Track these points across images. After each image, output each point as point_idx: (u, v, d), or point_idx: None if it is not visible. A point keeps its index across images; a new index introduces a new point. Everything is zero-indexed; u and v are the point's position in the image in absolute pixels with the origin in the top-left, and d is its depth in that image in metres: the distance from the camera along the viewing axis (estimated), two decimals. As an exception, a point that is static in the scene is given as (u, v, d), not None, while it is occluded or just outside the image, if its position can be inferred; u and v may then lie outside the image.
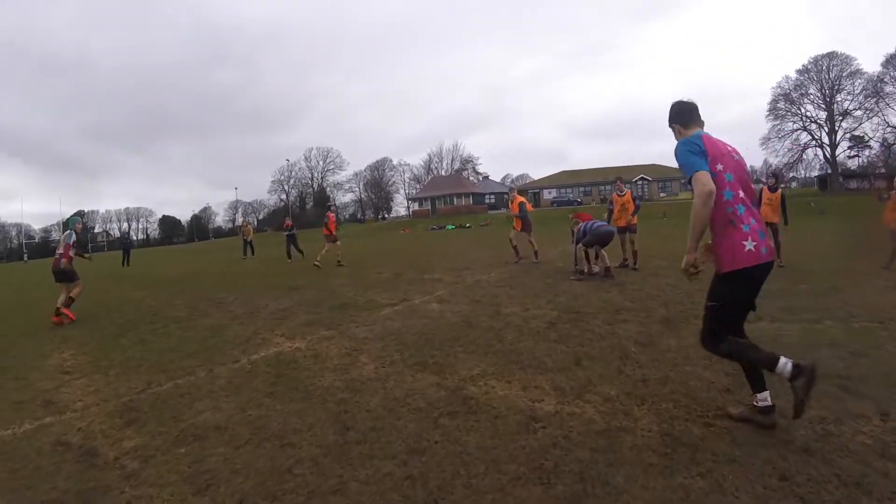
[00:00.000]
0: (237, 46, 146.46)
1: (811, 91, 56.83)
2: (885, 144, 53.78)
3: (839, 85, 55.07)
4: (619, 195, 9.68)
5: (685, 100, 2.93)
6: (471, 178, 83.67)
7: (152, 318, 7.58)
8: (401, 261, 14.63)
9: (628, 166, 64.12)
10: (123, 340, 6.13)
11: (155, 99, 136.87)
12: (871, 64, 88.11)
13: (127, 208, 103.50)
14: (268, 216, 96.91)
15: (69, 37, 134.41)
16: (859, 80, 53.94)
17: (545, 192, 68.36)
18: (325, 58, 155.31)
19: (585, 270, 8.70)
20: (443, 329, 5.49)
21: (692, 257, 2.71)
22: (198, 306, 8.49)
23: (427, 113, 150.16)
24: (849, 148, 57.91)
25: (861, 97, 54.06)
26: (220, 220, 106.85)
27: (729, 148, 2.73)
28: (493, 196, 74.61)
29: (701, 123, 2.86)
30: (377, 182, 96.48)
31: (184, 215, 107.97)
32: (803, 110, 57.66)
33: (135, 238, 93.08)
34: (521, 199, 11.62)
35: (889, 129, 52.65)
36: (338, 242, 14.36)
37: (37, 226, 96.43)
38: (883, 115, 52.79)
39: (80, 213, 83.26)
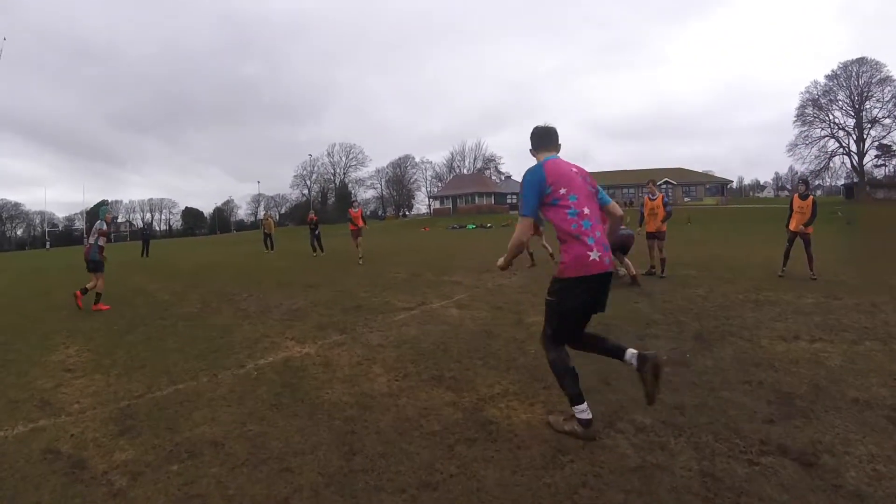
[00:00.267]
0: (263, 38, 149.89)
1: (840, 97, 55.69)
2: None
3: (868, 92, 53.75)
4: (650, 198, 9.32)
5: (542, 125, 3.17)
6: (493, 178, 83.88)
7: (163, 314, 7.53)
8: (420, 260, 14.45)
9: (652, 169, 63.43)
10: (130, 337, 6.07)
11: (180, 90, 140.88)
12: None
13: (150, 199, 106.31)
14: (290, 210, 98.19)
15: (97, 25, 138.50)
16: (889, 88, 52.77)
17: None
18: (349, 52, 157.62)
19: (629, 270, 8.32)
20: (462, 338, 5.26)
21: (505, 264, 3.26)
22: (210, 302, 8.43)
23: (450, 111, 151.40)
24: (876, 157, 56.88)
25: (890, 105, 52.85)
26: (243, 212, 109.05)
27: (574, 169, 3.01)
28: (514, 196, 73.98)
29: (556, 148, 3.13)
30: (399, 179, 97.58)
31: (206, 207, 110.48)
32: (831, 117, 56.59)
33: (157, 229, 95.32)
34: None
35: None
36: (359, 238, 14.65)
37: (60, 214, 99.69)
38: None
39: (104, 203, 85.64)
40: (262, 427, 3.26)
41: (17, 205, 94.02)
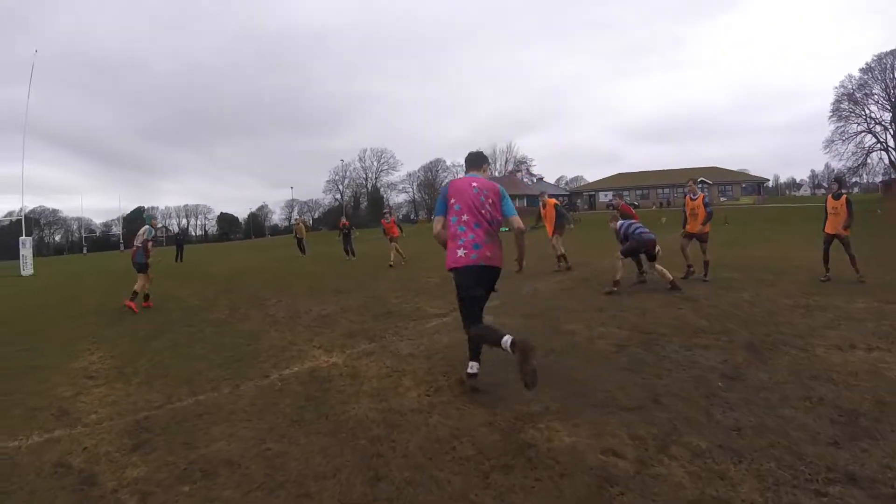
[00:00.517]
0: (290, 51, 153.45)
1: (875, 91, 52.68)
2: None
3: (904, 84, 50.73)
4: (690, 198, 8.92)
5: (471, 151, 4.23)
6: (524, 180, 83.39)
7: (191, 320, 7.56)
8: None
9: (687, 169, 62.29)
10: (156, 343, 6.07)
11: (212, 100, 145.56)
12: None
13: (186, 205, 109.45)
14: (322, 215, 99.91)
15: (126, 43, 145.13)
16: (925, 80, 49.48)
17: (601, 194, 68.00)
18: (378, 59, 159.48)
19: (618, 278, 7.90)
20: (496, 349, 4.99)
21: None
22: (239, 308, 8.44)
23: (481, 114, 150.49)
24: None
25: (927, 98, 49.49)
26: (277, 217, 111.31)
27: (472, 184, 3.83)
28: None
29: (477, 168, 4.07)
30: (430, 183, 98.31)
31: (241, 213, 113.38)
32: (867, 111, 53.56)
33: (193, 234, 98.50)
34: (555, 201, 11.44)
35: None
36: (394, 244, 14.91)
37: (98, 220, 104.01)
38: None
39: (140, 210, 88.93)
40: (281, 445, 3.09)
41: (54, 211, 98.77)
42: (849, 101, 54.33)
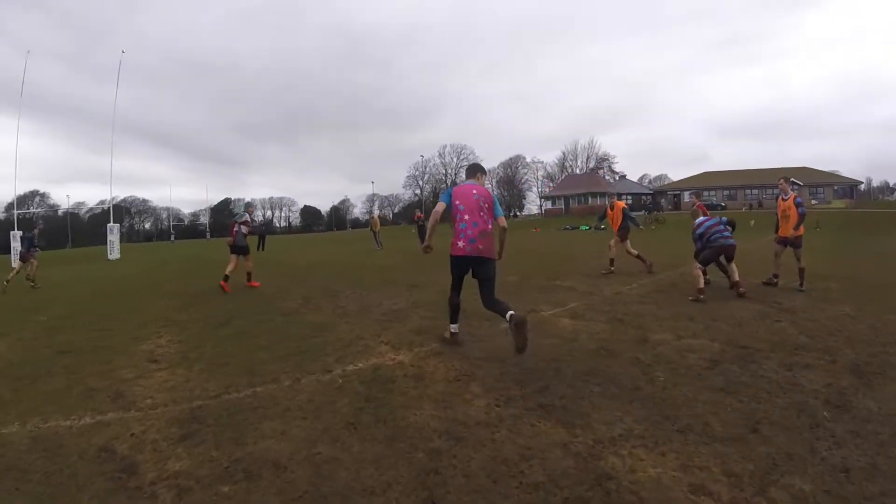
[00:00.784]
0: (375, 48, 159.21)
1: None
2: None
3: None
4: (782, 199, 8.36)
5: (472, 163, 6.22)
6: (606, 178, 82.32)
7: (262, 308, 7.66)
8: (530, 263, 13.72)
9: (776, 169, 60.24)
10: (224, 331, 6.15)
11: (299, 98, 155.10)
12: None
13: (271, 197, 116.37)
14: (402, 210, 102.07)
15: (217, 43, 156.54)
16: None
17: (685, 194, 65.30)
18: (461, 55, 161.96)
19: (702, 286, 7.35)
20: (576, 356, 4.55)
21: (427, 246, 5.48)
22: (312, 298, 8.48)
23: (562, 109, 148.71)
24: None
25: None
26: (358, 211, 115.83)
27: (473, 191, 4.91)
28: (630, 196, 72.20)
29: (475, 177, 5.19)
30: (510, 179, 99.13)
31: (324, 206, 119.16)
32: None
33: (277, 225, 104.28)
34: (623, 204, 11.21)
35: None
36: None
37: (186, 210, 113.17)
38: None
39: (227, 201, 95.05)
40: (333, 450, 2.85)
41: (144, 201, 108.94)
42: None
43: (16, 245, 26.92)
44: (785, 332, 5.34)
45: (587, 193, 69.83)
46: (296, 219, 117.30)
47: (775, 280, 8.29)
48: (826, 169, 64.47)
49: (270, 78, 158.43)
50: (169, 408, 3.62)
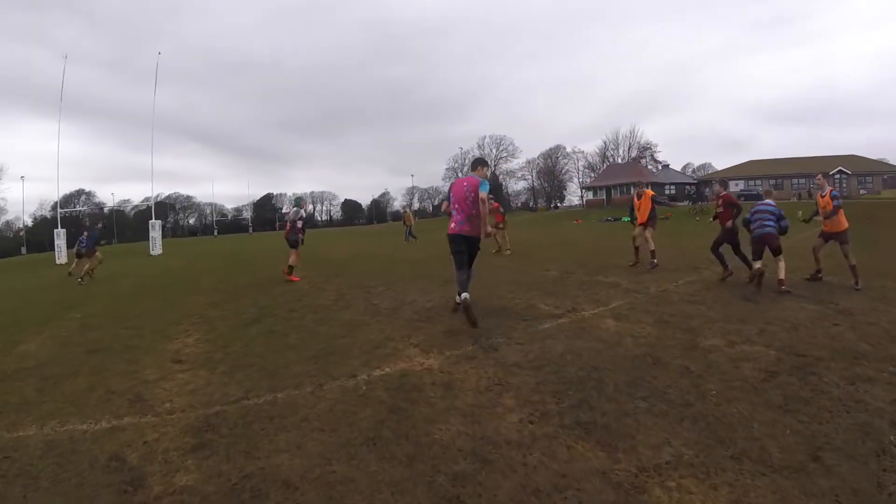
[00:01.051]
0: (413, 41, 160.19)
1: None
2: None
3: None
4: (820, 195, 8.41)
5: (475, 157, 7.65)
6: (649, 167, 79.56)
7: (294, 305, 7.64)
8: (571, 256, 13.32)
9: (824, 157, 58.39)
10: (252, 329, 6.13)
11: (339, 93, 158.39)
12: None
13: (312, 191, 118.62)
14: (441, 202, 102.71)
15: (257, 43, 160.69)
16: None
17: (731, 183, 61.98)
18: (498, 46, 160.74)
19: (753, 269, 7.50)
20: (620, 363, 4.25)
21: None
22: (345, 294, 8.41)
23: (603, 98, 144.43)
24: None
25: None
26: (398, 204, 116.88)
27: (464, 184, 6.10)
28: (673, 186, 70.10)
29: (474, 170, 6.32)
30: (550, 170, 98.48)
31: (364, 199, 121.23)
32: None
33: (319, 219, 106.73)
34: (653, 193, 11.12)
35: None
36: (494, 230, 14.79)
37: (229, 205, 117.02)
38: None
39: (269, 196, 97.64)
40: (348, 469, 2.68)
41: (188, 197, 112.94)
42: None
43: (59, 243, 28.29)
44: (844, 337, 4.93)
45: (629, 183, 67.25)
46: (337, 213, 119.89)
47: (819, 276, 8.20)
48: (876, 158, 60.78)
49: (311, 74, 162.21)
50: (186, 413, 3.55)
